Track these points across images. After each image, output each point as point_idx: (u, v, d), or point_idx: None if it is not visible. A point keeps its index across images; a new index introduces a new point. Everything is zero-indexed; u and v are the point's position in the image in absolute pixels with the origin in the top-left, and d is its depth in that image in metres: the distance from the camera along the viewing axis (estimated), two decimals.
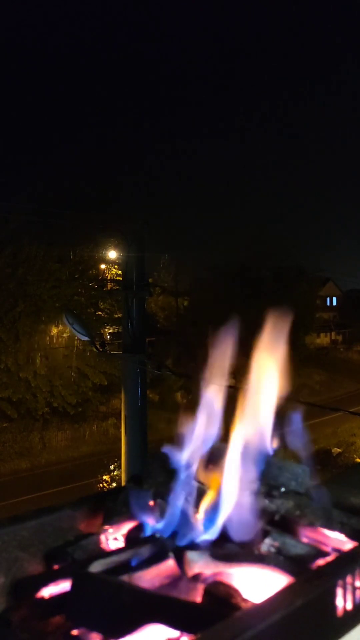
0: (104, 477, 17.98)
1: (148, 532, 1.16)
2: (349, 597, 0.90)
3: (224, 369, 1.32)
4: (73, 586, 0.98)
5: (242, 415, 1.27)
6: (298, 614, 0.81)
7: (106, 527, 1.19)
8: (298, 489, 1.24)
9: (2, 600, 1.04)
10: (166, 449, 1.26)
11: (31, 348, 20.47)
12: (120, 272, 14.60)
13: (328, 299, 49.35)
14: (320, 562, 1.03)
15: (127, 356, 7.40)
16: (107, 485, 17.21)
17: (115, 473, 17.73)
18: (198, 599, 0.96)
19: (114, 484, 16.87)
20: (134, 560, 1.04)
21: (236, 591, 0.97)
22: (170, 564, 1.02)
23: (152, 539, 1.11)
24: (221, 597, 0.96)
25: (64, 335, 21.36)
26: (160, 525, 1.16)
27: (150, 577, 0.99)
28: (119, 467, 11.24)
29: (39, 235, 20.82)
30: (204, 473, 1.25)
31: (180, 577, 1.02)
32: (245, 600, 0.95)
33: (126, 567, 1.01)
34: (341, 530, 1.16)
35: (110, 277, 26.22)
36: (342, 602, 0.89)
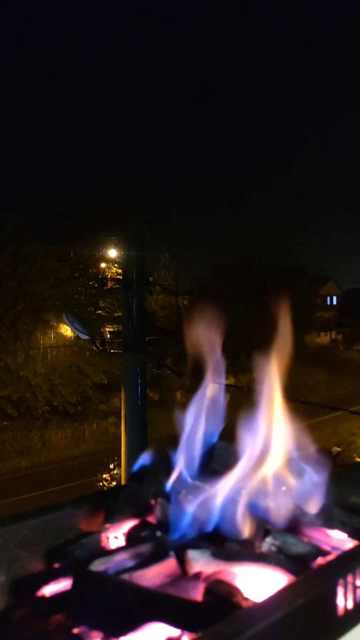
0: (104, 476, 18.01)
1: (148, 530, 1.16)
2: (350, 596, 0.90)
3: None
4: (74, 585, 0.98)
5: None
6: (299, 613, 0.81)
7: (107, 525, 1.19)
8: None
9: (3, 599, 1.04)
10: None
11: (31, 346, 20.46)
12: (120, 270, 14.59)
13: (328, 298, 49.35)
14: (321, 561, 1.03)
15: (127, 355, 7.40)
16: (108, 484, 17.23)
17: (115, 472, 17.76)
18: (199, 597, 0.96)
19: (114, 483, 16.89)
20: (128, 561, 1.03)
21: (237, 590, 0.98)
22: (171, 562, 1.02)
23: (153, 537, 1.11)
24: (222, 595, 0.96)
25: (65, 333, 21.36)
26: (160, 523, 1.17)
27: (151, 576, 0.99)
28: (119, 465, 11.24)
29: (40, 234, 20.82)
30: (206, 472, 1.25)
31: (181, 576, 1.02)
32: (246, 599, 0.96)
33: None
34: (342, 529, 1.16)
35: (111, 275, 26.21)
36: (343, 601, 0.89)
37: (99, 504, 1.24)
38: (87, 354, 20.73)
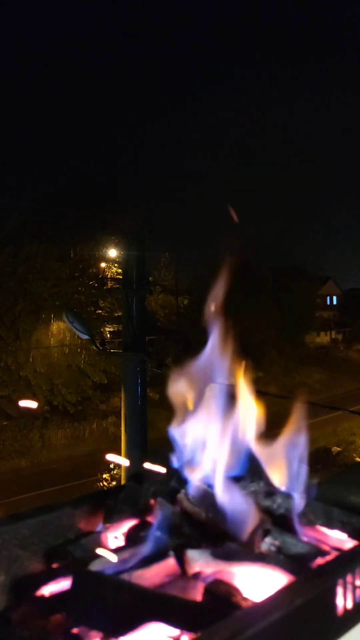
0: (104, 476, 17.98)
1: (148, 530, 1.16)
2: (349, 596, 0.90)
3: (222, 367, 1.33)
4: (73, 584, 0.98)
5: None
6: (298, 613, 0.81)
7: (106, 525, 1.19)
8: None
9: (3, 599, 1.04)
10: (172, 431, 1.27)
11: (31, 346, 20.46)
12: (120, 270, 14.59)
13: (328, 298, 49.36)
14: (321, 561, 1.03)
15: (127, 355, 7.40)
16: (107, 483, 17.21)
17: (115, 471, 17.73)
18: (198, 597, 0.96)
19: (114, 483, 16.87)
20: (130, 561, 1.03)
21: (236, 590, 0.97)
22: (170, 562, 1.02)
23: (153, 537, 1.11)
24: (221, 595, 0.96)
25: (65, 333, 21.36)
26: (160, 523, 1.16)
27: (151, 576, 0.99)
28: (119, 465, 11.23)
29: (40, 234, 20.81)
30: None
31: (180, 576, 1.02)
32: (245, 599, 0.96)
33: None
34: (341, 529, 1.16)
35: (111, 275, 26.21)
36: (342, 601, 0.89)
37: (98, 504, 1.24)
38: (85, 354, 20.71)
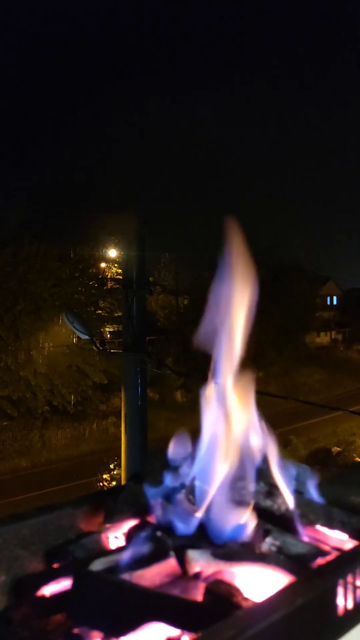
0: (104, 476, 18.00)
1: (149, 530, 1.16)
2: (350, 596, 0.90)
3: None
4: (74, 584, 0.98)
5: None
6: (299, 613, 0.81)
7: (107, 525, 1.19)
8: (298, 488, 1.24)
9: (3, 599, 1.04)
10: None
11: (31, 346, 20.45)
12: (120, 270, 14.60)
13: (328, 298, 49.37)
14: (321, 561, 1.03)
15: (127, 355, 7.39)
16: (107, 484, 17.22)
17: (115, 472, 17.75)
18: (199, 597, 0.96)
19: (114, 483, 16.88)
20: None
21: (237, 590, 0.97)
22: (171, 562, 1.02)
23: (153, 537, 1.11)
24: (222, 595, 0.96)
25: (64, 333, 21.35)
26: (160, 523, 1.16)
27: (151, 576, 0.99)
28: (119, 465, 11.25)
29: (40, 234, 20.81)
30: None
31: (181, 576, 1.02)
32: (246, 599, 0.95)
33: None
34: (342, 529, 1.16)
35: (111, 275, 26.21)
36: (343, 601, 0.89)
37: (98, 504, 1.24)
38: (87, 353, 20.71)
